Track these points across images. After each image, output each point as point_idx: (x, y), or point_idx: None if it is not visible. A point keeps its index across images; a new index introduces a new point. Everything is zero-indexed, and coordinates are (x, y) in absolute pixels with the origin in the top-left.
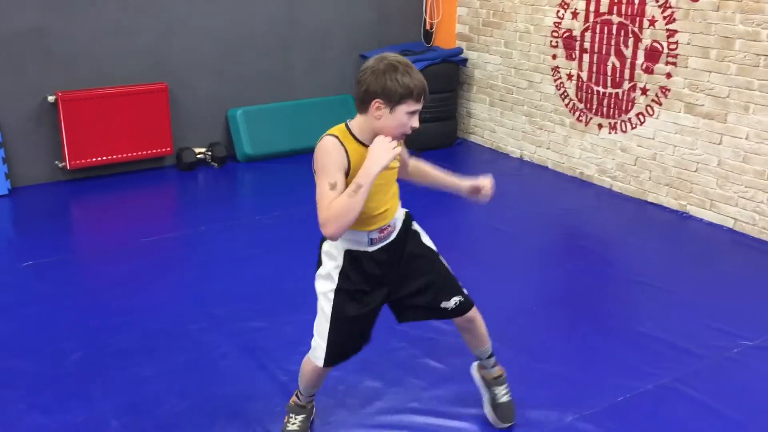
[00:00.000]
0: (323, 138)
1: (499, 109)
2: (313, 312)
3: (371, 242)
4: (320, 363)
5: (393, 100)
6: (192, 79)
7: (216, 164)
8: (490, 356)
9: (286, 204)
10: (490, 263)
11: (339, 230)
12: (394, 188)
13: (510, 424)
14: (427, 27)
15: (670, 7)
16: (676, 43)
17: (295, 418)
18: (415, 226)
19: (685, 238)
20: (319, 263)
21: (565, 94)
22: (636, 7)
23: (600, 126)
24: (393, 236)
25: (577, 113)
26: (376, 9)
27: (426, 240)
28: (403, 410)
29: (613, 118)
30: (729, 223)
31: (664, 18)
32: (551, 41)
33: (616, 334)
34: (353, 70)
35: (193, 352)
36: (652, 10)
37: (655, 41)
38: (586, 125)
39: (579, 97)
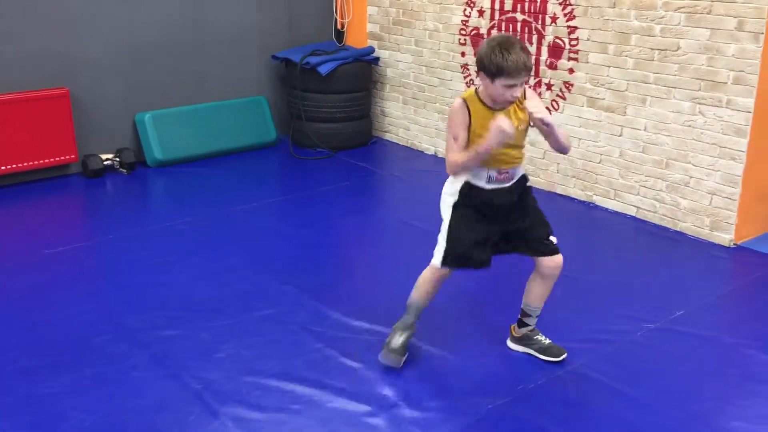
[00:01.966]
0: (456, 100)
1: (412, 107)
2: (228, 317)
3: (489, 180)
4: (438, 263)
5: (490, 75)
6: (96, 83)
7: (125, 170)
8: (537, 316)
9: (198, 209)
10: (404, 259)
11: (454, 173)
12: (520, 143)
13: (565, 354)
14: (339, 26)
15: (570, 4)
16: (577, 39)
17: (401, 335)
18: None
19: (592, 228)
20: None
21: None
22: (538, 4)
23: None
24: (508, 184)
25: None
26: (286, 9)
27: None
28: (320, 410)
29: None
30: (632, 212)
31: (565, 15)
32: (460, 39)
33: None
34: (265, 71)
35: (102, 365)
36: (553, 7)
37: (557, 38)
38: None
39: None
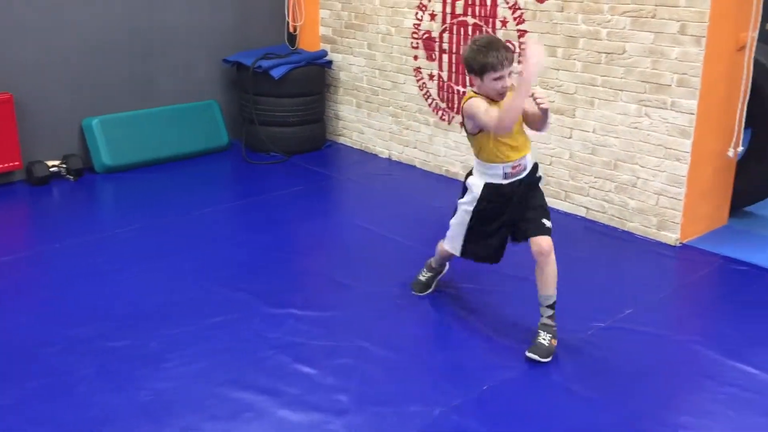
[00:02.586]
0: (468, 98)
1: (366, 110)
2: (178, 325)
3: (505, 176)
4: (458, 253)
5: (478, 73)
6: (42, 88)
7: (72, 177)
8: (551, 306)
9: (148, 216)
10: (361, 263)
11: (507, 123)
12: (525, 132)
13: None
14: (291, 30)
15: (519, 8)
16: (526, 42)
17: (426, 273)
18: (539, 172)
19: None
20: (463, 191)
21: (428, 94)
22: (488, 8)
23: (461, 124)
24: (523, 175)
25: (440, 112)
26: (237, 13)
27: (541, 192)
28: (273, 418)
29: None
30: (582, 212)
31: (515, 19)
32: (412, 43)
33: (482, 325)
34: (217, 74)
35: (48, 378)
36: (503, 11)
37: (507, 41)
38: (449, 124)
39: (441, 96)
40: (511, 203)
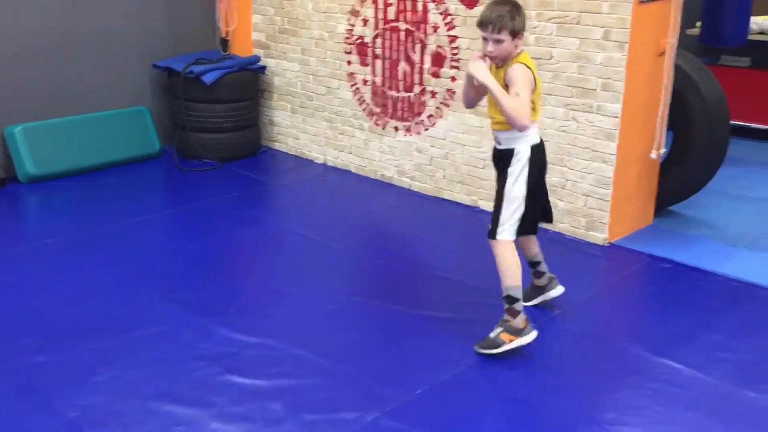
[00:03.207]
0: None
1: (301, 115)
2: (107, 339)
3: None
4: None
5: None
6: None
7: None
8: (505, 299)
9: (76, 226)
10: (296, 270)
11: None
12: (495, 107)
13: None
14: (223, 35)
15: (450, 14)
16: (458, 48)
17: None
18: (514, 165)
19: (477, 231)
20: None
21: (362, 99)
22: (420, 14)
23: (396, 129)
24: (496, 146)
25: (375, 117)
26: (168, 17)
27: (508, 173)
28: (205, 430)
29: (408, 121)
30: None
31: (446, 25)
32: (345, 48)
33: (417, 328)
34: (147, 80)
35: None
36: (434, 17)
37: (439, 47)
38: (383, 129)
39: (375, 101)
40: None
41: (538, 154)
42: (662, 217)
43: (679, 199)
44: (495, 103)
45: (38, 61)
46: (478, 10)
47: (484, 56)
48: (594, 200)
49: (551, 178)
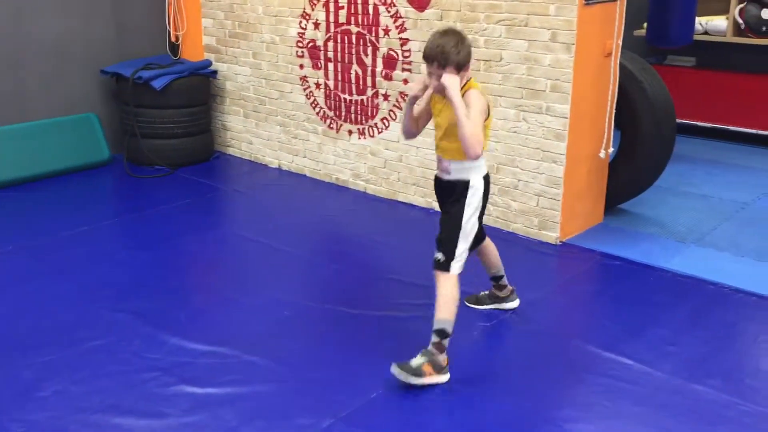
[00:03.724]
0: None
1: (254, 120)
2: (53, 352)
3: (437, 165)
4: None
5: None
6: None
7: None
8: (436, 332)
9: (20, 236)
10: (250, 277)
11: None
12: (449, 136)
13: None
14: (173, 39)
15: (401, 17)
16: (409, 50)
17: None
18: (471, 198)
19: (432, 233)
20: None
21: (315, 102)
22: (371, 17)
23: (350, 132)
24: (443, 177)
25: (328, 121)
26: (115, 21)
27: (464, 205)
28: None
29: (361, 123)
30: None
31: (396, 27)
32: (297, 51)
33: (371, 332)
34: (94, 86)
35: None
36: (385, 20)
37: (390, 49)
38: (337, 132)
39: (328, 105)
40: (441, 197)
41: (487, 185)
42: (612, 216)
43: (628, 197)
44: (448, 131)
45: None
46: (429, 12)
47: (424, 89)
48: (546, 200)
49: (504, 179)
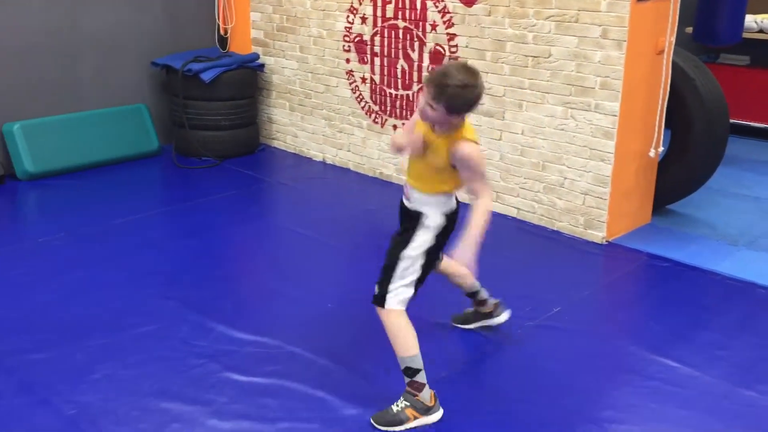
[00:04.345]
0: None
1: (299, 113)
2: (104, 336)
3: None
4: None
5: None
6: None
7: None
8: (404, 372)
9: (74, 223)
10: (293, 268)
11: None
12: (423, 177)
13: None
14: (222, 32)
15: (449, 12)
16: (456, 46)
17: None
18: (419, 231)
19: None
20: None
21: (361, 97)
22: (418, 12)
23: (395, 127)
24: (405, 202)
25: (373, 115)
26: (166, 15)
27: (409, 239)
28: (203, 428)
29: (406, 118)
30: (513, 213)
31: (444, 23)
32: (344, 46)
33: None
34: (145, 78)
35: None
36: (432, 15)
37: (437, 45)
38: (382, 126)
39: (374, 99)
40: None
41: (449, 223)
42: (660, 216)
43: (677, 197)
44: (425, 173)
45: (38, 58)
46: (478, 8)
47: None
48: (592, 198)
49: (549, 177)
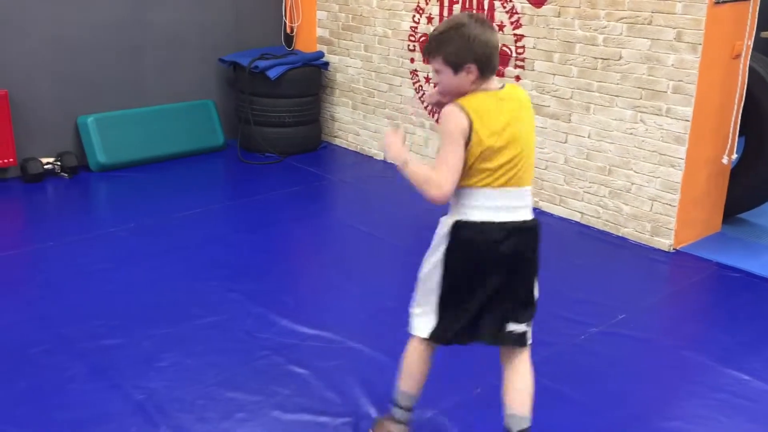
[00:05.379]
0: None
1: (362, 112)
2: (171, 325)
3: None
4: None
5: None
6: (35, 85)
7: (66, 175)
8: None
9: (142, 215)
10: (354, 265)
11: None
12: None
13: None
14: (288, 30)
15: (517, 13)
16: (523, 47)
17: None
18: (434, 246)
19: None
20: None
21: (424, 97)
22: (485, 12)
23: None
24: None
25: (436, 115)
26: (233, 11)
27: (429, 252)
28: (266, 418)
29: None
30: (576, 217)
31: (512, 23)
32: (409, 45)
33: None
34: (211, 74)
35: (37, 377)
36: (500, 15)
37: (504, 45)
38: None
39: None
40: None
41: (466, 237)
42: (731, 225)
43: (749, 206)
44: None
45: (110, 53)
46: (547, 8)
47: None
48: (660, 205)
49: (616, 181)
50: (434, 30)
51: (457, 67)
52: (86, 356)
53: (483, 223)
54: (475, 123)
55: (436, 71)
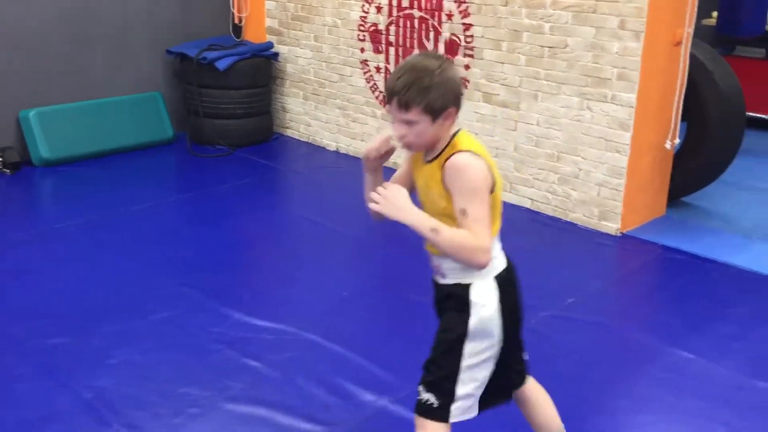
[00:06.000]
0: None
1: (313, 102)
2: (121, 322)
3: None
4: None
5: None
6: None
7: (8, 170)
8: None
9: (89, 210)
10: (308, 256)
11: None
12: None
13: None
14: (236, 21)
15: (465, 2)
16: (472, 36)
17: None
18: (472, 321)
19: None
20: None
21: (375, 86)
22: (434, 2)
23: None
24: (438, 280)
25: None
26: (182, 3)
27: (465, 328)
28: (219, 412)
29: None
30: (527, 204)
31: (460, 12)
32: (359, 35)
33: (426, 317)
34: (159, 66)
35: None
36: (448, 4)
37: (453, 35)
38: None
39: None
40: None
41: (508, 288)
42: (675, 208)
43: (692, 190)
44: (434, 214)
45: (53, 45)
46: None
47: (387, 139)
48: (607, 190)
49: (564, 168)
50: (400, 79)
51: (437, 114)
52: (33, 356)
53: (507, 270)
54: (492, 170)
55: (408, 122)
